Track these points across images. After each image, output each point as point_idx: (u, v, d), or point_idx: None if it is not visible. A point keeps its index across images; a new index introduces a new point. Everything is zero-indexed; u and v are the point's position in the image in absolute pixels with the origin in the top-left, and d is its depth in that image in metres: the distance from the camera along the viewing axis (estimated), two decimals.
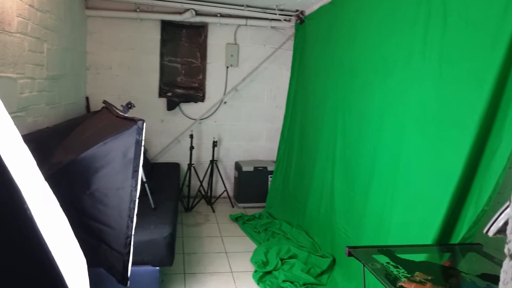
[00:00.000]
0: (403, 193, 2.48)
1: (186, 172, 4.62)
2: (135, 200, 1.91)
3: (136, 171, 1.87)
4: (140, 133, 1.84)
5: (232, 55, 4.93)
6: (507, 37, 1.77)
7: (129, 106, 2.91)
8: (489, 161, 1.80)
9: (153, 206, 3.08)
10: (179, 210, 4.40)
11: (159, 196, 3.48)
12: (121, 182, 1.91)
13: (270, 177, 4.80)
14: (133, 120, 1.92)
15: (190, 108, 4.92)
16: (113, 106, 3.05)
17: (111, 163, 1.95)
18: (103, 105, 3.44)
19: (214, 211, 4.61)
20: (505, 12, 1.81)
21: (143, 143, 1.88)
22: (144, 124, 1.88)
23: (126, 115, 2.41)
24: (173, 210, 3.26)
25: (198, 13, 4.69)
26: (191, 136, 4.58)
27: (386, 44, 2.78)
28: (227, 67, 4.96)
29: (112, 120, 2.48)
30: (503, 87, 1.78)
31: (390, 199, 2.63)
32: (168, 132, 4.87)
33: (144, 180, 3.01)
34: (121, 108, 2.93)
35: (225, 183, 4.87)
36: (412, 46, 2.49)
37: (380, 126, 2.86)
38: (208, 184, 4.81)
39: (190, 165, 4.57)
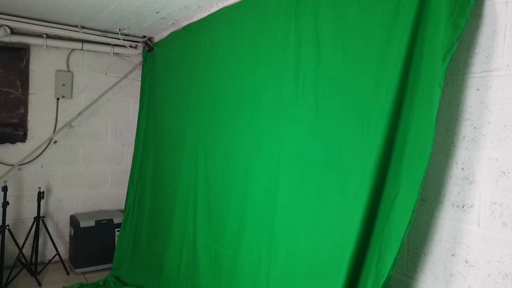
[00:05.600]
0: (283, 246, 2.10)
1: None
2: None
3: None
4: None
5: (64, 85, 4.03)
6: (391, 73, 1.56)
7: None
8: (387, 212, 1.53)
9: None
10: None
11: None
12: None
13: (118, 231, 3.96)
14: None
15: (6, 151, 3.78)
16: None
17: None
18: None
19: (40, 284, 3.50)
20: (387, 44, 1.62)
21: None
22: None
23: None
24: None
25: (15, 32, 3.70)
26: (5, 188, 3.44)
27: (252, 75, 2.44)
28: (58, 99, 4.02)
29: None
30: (396, 128, 1.54)
31: (267, 256, 2.21)
32: None
33: None
34: None
35: (56, 245, 3.80)
36: (282, 79, 2.19)
37: (248, 168, 2.47)
38: (33, 248, 3.68)
39: (3, 227, 3.40)
